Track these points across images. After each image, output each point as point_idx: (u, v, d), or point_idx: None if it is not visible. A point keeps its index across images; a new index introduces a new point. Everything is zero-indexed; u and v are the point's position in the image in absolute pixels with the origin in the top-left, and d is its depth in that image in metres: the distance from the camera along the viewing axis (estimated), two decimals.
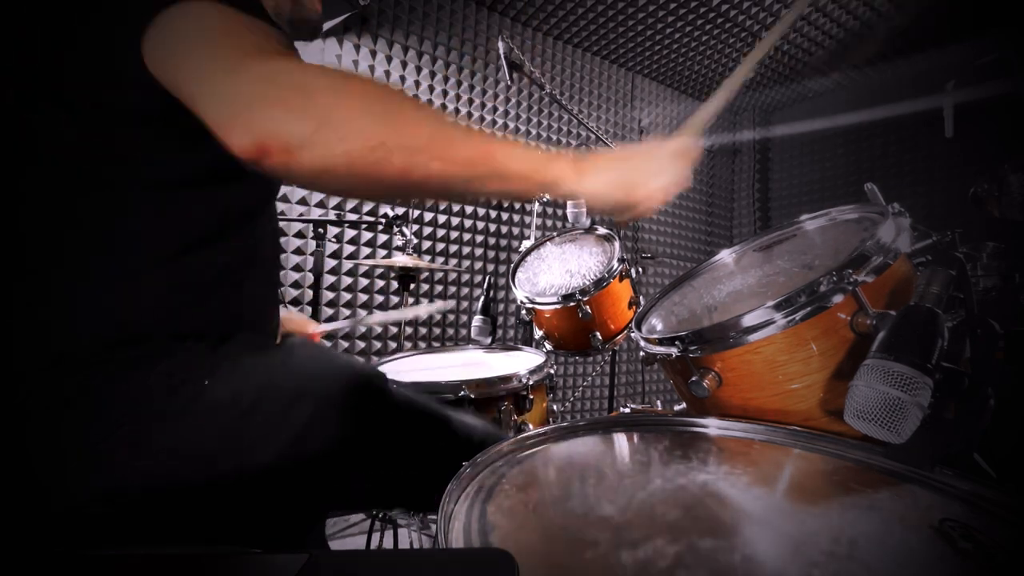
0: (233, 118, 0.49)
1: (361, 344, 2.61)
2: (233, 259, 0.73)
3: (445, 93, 2.89)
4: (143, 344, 0.65)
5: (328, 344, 2.49)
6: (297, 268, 2.44)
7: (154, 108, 0.60)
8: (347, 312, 2.57)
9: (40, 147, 0.63)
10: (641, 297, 1.69)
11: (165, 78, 0.56)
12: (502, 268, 3.11)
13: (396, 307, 2.70)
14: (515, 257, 2.04)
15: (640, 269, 1.88)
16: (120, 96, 0.61)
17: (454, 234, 2.94)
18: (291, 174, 0.51)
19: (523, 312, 1.81)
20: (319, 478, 0.74)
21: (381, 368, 1.47)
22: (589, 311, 1.56)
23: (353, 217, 2.58)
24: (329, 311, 2.53)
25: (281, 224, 2.38)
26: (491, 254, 3.08)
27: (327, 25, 2.35)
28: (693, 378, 0.85)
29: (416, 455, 0.85)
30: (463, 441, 0.90)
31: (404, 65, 2.73)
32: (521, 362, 1.51)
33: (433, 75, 2.83)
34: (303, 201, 2.44)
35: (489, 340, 1.89)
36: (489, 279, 2.07)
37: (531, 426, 1.30)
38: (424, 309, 2.41)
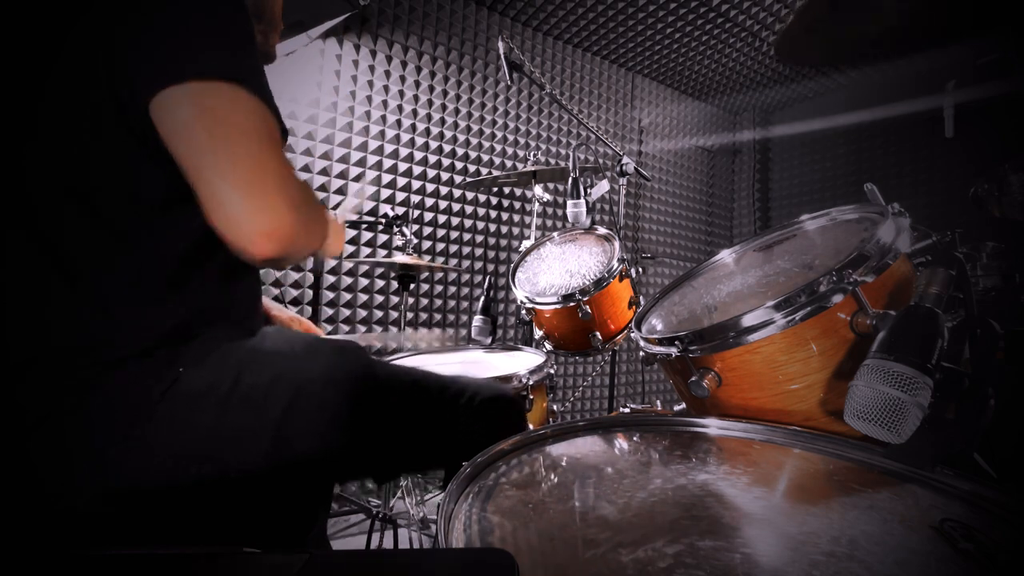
0: (269, 231, 0.58)
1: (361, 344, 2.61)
2: (216, 258, 0.73)
3: (445, 93, 2.89)
4: (133, 343, 0.65)
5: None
6: (297, 268, 2.44)
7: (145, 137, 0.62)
8: (347, 312, 2.57)
9: (34, 153, 0.63)
10: (641, 297, 1.69)
11: (170, 147, 0.59)
12: (502, 268, 3.11)
13: (397, 307, 2.70)
14: (515, 257, 2.04)
15: (640, 269, 1.88)
16: (113, 122, 0.62)
17: (454, 234, 2.94)
18: (266, 265, 0.63)
19: (523, 312, 1.81)
20: (313, 456, 0.73)
21: None
22: (589, 311, 1.56)
23: (353, 217, 2.58)
24: (329, 311, 2.53)
25: None
26: (491, 254, 3.08)
27: (327, 25, 2.35)
28: (693, 378, 0.85)
29: (409, 422, 0.83)
30: (453, 396, 0.88)
31: (404, 65, 2.73)
32: (521, 362, 1.51)
33: (433, 75, 2.83)
34: None
35: (489, 340, 1.89)
36: (489, 279, 2.07)
37: (531, 426, 1.30)
38: (426, 337, 2.32)
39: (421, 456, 0.86)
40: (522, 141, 3.21)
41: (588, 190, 1.78)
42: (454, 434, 0.71)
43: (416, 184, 2.79)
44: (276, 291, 2.38)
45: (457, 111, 2.94)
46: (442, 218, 2.88)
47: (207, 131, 0.57)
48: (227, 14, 0.63)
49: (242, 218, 0.57)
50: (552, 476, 0.66)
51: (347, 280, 2.58)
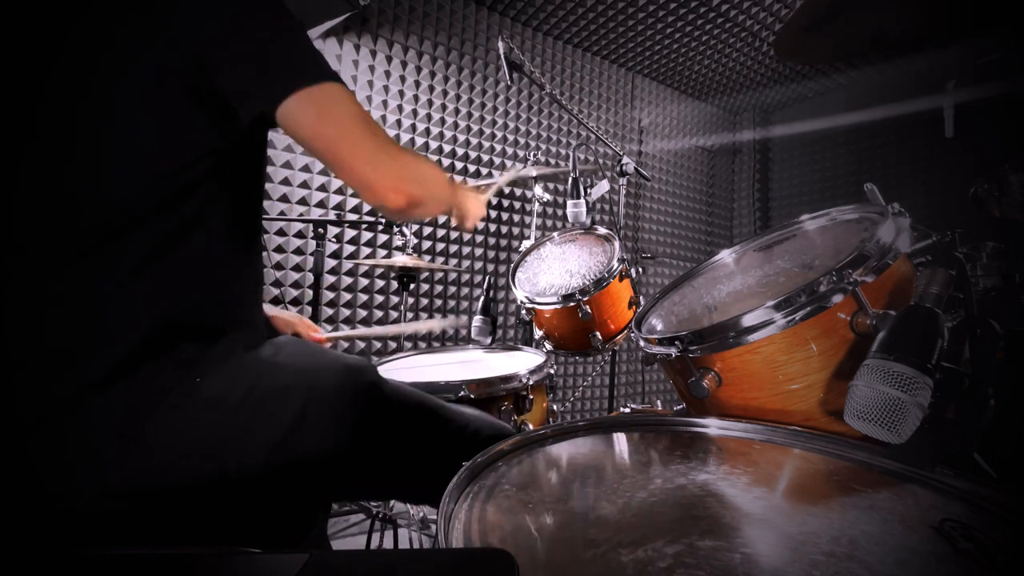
0: (393, 186, 0.74)
1: (361, 344, 2.61)
2: (225, 262, 0.74)
3: (445, 93, 2.89)
4: (139, 345, 0.65)
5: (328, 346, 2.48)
6: (297, 268, 2.44)
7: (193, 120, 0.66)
8: (347, 312, 2.57)
9: (41, 149, 0.63)
10: (641, 297, 1.69)
11: (303, 142, 0.72)
12: (502, 268, 3.11)
13: (397, 307, 2.70)
14: (515, 257, 2.04)
15: (640, 269, 1.88)
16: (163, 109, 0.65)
17: (454, 234, 2.94)
18: (407, 215, 0.78)
19: (523, 312, 1.81)
20: (314, 471, 0.74)
21: (381, 368, 1.47)
22: (589, 311, 1.56)
23: (353, 217, 2.58)
24: (329, 311, 2.53)
25: (281, 224, 2.38)
26: (491, 254, 3.08)
27: (327, 25, 2.35)
28: (693, 378, 0.85)
29: (410, 445, 0.84)
30: (456, 429, 0.90)
31: (404, 65, 2.73)
32: (521, 362, 1.51)
33: (433, 75, 2.83)
34: (303, 201, 2.44)
35: (489, 340, 1.89)
36: (489, 279, 2.07)
37: (531, 426, 1.30)
38: (428, 324, 2.38)
39: (417, 479, 0.87)
40: (522, 141, 3.21)
41: (588, 190, 1.78)
42: (452, 464, 0.72)
43: None
44: (276, 291, 2.38)
45: (457, 111, 2.94)
46: (442, 218, 2.88)
47: (333, 126, 0.71)
48: (299, 25, 0.73)
49: (375, 184, 0.73)
50: (552, 476, 0.66)
51: (347, 280, 2.58)
